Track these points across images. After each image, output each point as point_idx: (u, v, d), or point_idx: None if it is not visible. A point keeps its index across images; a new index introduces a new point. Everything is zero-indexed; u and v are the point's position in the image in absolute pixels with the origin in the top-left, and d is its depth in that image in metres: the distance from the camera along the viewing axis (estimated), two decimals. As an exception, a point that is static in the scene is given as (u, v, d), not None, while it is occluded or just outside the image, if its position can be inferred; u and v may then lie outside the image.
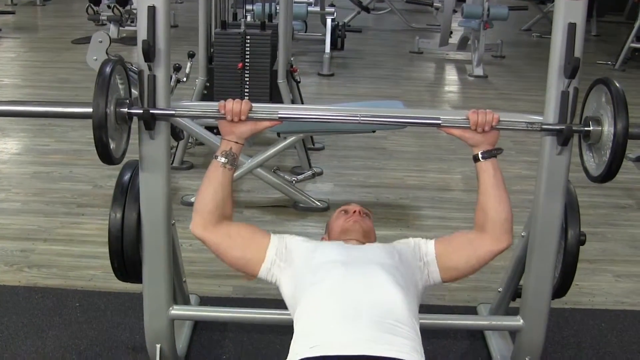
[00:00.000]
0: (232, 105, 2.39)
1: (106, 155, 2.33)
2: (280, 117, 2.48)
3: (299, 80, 5.70)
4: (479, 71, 9.13)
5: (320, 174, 5.32)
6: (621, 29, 10.87)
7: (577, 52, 2.39)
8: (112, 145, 2.36)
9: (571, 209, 2.74)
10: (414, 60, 10.19)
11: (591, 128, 2.45)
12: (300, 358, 2.11)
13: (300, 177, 4.99)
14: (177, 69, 5.01)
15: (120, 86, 2.46)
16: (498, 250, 2.48)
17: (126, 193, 2.69)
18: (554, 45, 2.45)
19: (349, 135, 6.06)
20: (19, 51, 9.81)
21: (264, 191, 4.98)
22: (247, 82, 5.33)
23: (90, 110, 2.27)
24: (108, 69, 2.31)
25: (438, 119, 2.49)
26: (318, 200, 4.77)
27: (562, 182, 2.58)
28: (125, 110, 2.39)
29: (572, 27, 2.38)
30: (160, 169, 2.57)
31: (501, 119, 2.43)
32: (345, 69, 9.30)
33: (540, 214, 2.63)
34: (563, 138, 2.45)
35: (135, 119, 2.45)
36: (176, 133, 4.96)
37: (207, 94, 5.35)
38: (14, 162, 5.54)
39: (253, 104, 2.44)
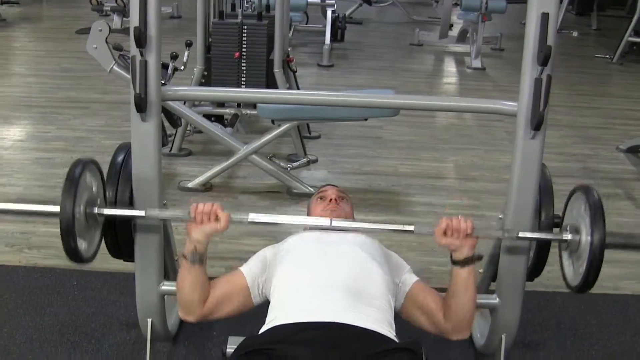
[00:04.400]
0: (201, 208, 2.48)
1: (74, 255, 2.44)
2: (250, 222, 2.60)
3: (295, 70, 5.79)
4: (477, 63, 9.22)
5: (315, 161, 5.43)
6: (622, 23, 10.91)
7: (550, 41, 2.45)
8: (82, 245, 2.46)
9: (545, 192, 2.82)
10: (414, 53, 10.27)
11: (569, 237, 2.53)
12: (274, 325, 2.23)
13: (295, 164, 5.10)
14: (175, 57, 5.11)
15: (93, 185, 2.56)
16: (451, 338, 2.58)
17: (119, 174, 2.78)
18: (527, 34, 2.52)
19: (344, 125, 6.17)
20: (24, 41, 9.94)
21: (259, 177, 5.08)
22: (244, 71, 5.44)
23: (57, 209, 2.37)
24: (78, 169, 2.42)
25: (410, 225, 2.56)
26: (312, 187, 4.85)
27: (536, 165, 2.65)
28: (96, 210, 2.52)
29: (545, 17, 2.45)
30: (151, 151, 2.65)
31: (477, 105, 2.51)
32: (344, 60, 9.40)
33: (515, 197, 2.71)
34: (536, 123, 2.50)
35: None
36: (174, 120, 5.07)
37: (205, 83, 5.44)
38: (17, 149, 5.65)
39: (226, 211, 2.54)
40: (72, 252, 2.41)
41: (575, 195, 2.58)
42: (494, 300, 2.90)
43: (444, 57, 10.17)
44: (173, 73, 5.10)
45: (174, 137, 5.40)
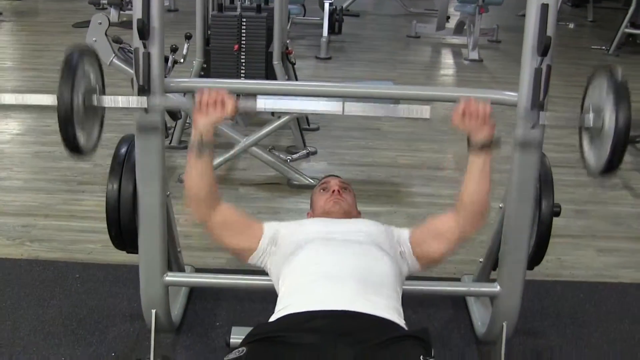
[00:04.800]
0: (207, 96, 2.41)
1: (73, 147, 2.32)
2: (258, 108, 2.55)
3: (294, 62, 5.80)
4: (474, 55, 9.23)
5: (315, 153, 5.46)
6: (618, 14, 10.90)
7: (550, 31, 2.47)
8: (81, 137, 2.34)
9: (545, 181, 2.84)
10: (411, 44, 10.27)
11: (592, 120, 2.42)
12: (284, 314, 2.24)
13: (295, 156, 5.13)
14: (175, 50, 5.12)
15: (91, 75, 2.44)
16: (463, 234, 2.53)
17: (123, 165, 2.81)
18: (527, 25, 2.55)
19: (343, 117, 6.14)
20: (20, 35, 9.92)
21: (259, 169, 5.11)
22: (243, 64, 5.44)
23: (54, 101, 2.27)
24: (75, 58, 2.31)
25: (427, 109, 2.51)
26: (312, 178, 4.88)
27: (536, 155, 2.68)
28: (95, 100, 2.42)
29: (544, 8, 2.48)
30: (155, 142, 2.68)
31: (475, 95, 2.52)
32: (342, 52, 9.41)
33: (516, 186, 2.74)
34: (536, 113, 2.52)
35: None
36: (174, 113, 5.08)
37: (204, 75, 5.45)
38: (17, 142, 5.67)
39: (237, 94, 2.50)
40: (71, 144, 2.30)
41: (596, 78, 2.44)
42: (495, 288, 2.94)
43: (441, 49, 10.17)
44: (173, 66, 5.11)
45: (174, 130, 5.42)
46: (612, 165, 2.32)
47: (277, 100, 2.70)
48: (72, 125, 2.27)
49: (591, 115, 2.41)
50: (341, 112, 2.50)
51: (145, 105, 2.50)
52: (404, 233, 2.62)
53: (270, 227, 2.60)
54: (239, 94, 2.55)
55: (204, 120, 2.41)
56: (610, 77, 2.32)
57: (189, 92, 4.45)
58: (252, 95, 2.58)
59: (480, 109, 2.37)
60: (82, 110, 2.32)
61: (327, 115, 5.91)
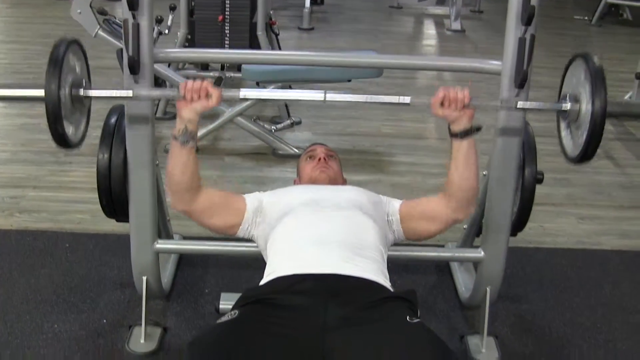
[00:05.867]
0: (191, 85, 2.40)
1: (62, 140, 2.32)
2: (242, 98, 2.54)
3: (277, 32, 5.83)
4: (456, 25, 9.27)
5: (299, 123, 5.48)
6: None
7: (534, 1, 2.50)
8: (69, 129, 2.36)
9: (529, 149, 2.90)
10: (393, 15, 10.30)
11: (569, 106, 2.46)
12: (273, 277, 2.29)
13: (279, 125, 5.17)
14: (159, 21, 5.13)
15: (77, 67, 2.45)
16: (454, 220, 2.58)
17: (113, 135, 2.83)
18: (512, -6, 2.59)
19: (326, 86, 6.21)
20: (1, 7, 9.85)
21: (244, 139, 5.16)
22: (227, 35, 5.47)
23: (42, 93, 2.25)
24: (61, 50, 2.30)
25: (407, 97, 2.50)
26: (296, 147, 4.94)
27: (519, 122, 2.72)
28: (82, 92, 2.41)
29: (528, -22, 2.53)
30: (144, 112, 2.70)
31: (461, 64, 2.55)
32: (325, 23, 9.42)
33: (499, 153, 2.79)
34: (520, 81, 2.55)
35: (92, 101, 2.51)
36: (159, 84, 5.09)
37: (189, 47, 5.47)
38: (2, 115, 5.69)
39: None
40: (60, 137, 2.31)
41: (573, 64, 2.50)
42: (479, 254, 2.99)
43: (423, 20, 10.20)
44: (158, 37, 5.13)
45: (159, 101, 5.43)
46: (587, 153, 2.39)
47: (259, 92, 2.70)
48: (60, 119, 2.28)
49: (568, 102, 2.47)
50: (323, 100, 2.52)
51: (131, 95, 2.50)
52: (395, 203, 2.67)
53: (253, 199, 2.63)
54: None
55: (188, 110, 2.42)
56: (588, 65, 2.37)
57: (177, 62, 4.47)
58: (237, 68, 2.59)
59: (459, 96, 2.39)
60: (69, 102, 2.34)
61: (309, 84, 6.00)
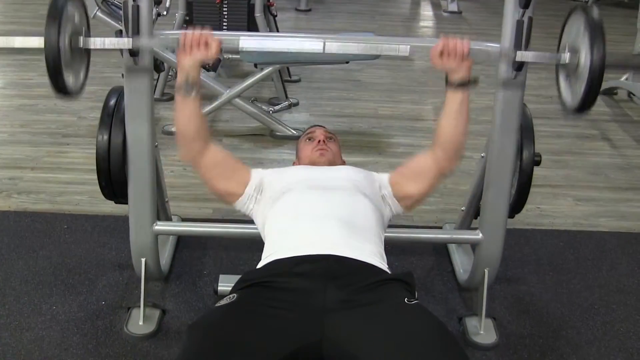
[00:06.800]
0: (191, 37, 2.43)
1: (62, 89, 2.30)
2: (241, 48, 2.58)
3: (275, 14, 5.80)
4: (453, 7, 9.24)
5: (297, 104, 5.51)
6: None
7: (532, -17, 2.52)
8: (69, 79, 2.33)
9: (526, 131, 2.90)
10: (391, -5, 10.28)
11: (568, 57, 2.45)
12: (271, 260, 2.30)
13: (277, 107, 5.18)
14: (158, 2, 5.10)
15: (76, 16, 2.41)
16: (441, 170, 2.58)
17: (112, 116, 2.83)
18: (510, -24, 2.59)
19: (324, 68, 6.23)
20: (-2, -14, 9.81)
21: (242, 120, 5.15)
22: (226, 16, 5.44)
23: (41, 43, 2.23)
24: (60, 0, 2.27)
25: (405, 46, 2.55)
26: (294, 129, 4.93)
27: (517, 105, 2.73)
28: (81, 41, 2.39)
29: (526, -41, 2.52)
30: (144, 93, 2.70)
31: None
32: (322, 4, 9.38)
33: (497, 136, 2.79)
34: (517, 64, 2.56)
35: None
36: (157, 65, 5.09)
37: (187, 28, 5.44)
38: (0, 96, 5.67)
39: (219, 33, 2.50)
40: (60, 86, 2.28)
41: (573, 16, 2.48)
42: (477, 235, 3.00)
43: (420, 1, 10.16)
44: (156, 18, 5.10)
45: (157, 82, 5.42)
46: (586, 103, 2.37)
47: (260, 40, 2.71)
48: (60, 67, 2.26)
49: (567, 54, 2.46)
50: (322, 51, 2.54)
51: (131, 46, 2.50)
52: (384, 177, 2.67)
53: (257, 174, 2.64)
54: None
55: (188, 60, 2.43)
56: (587, 17, 2.36)
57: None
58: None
59: (458, 47, 2.40)
60: (69, 52, 2.32)
61: (308, 67, 6.00)
